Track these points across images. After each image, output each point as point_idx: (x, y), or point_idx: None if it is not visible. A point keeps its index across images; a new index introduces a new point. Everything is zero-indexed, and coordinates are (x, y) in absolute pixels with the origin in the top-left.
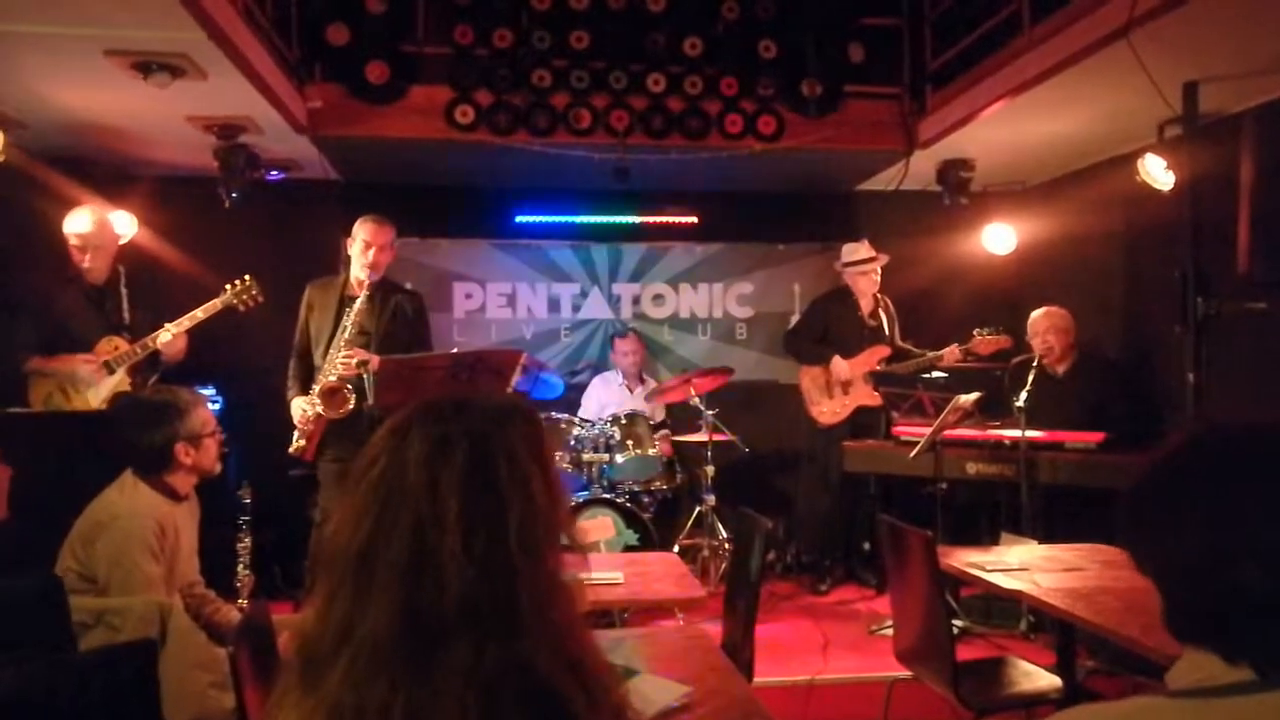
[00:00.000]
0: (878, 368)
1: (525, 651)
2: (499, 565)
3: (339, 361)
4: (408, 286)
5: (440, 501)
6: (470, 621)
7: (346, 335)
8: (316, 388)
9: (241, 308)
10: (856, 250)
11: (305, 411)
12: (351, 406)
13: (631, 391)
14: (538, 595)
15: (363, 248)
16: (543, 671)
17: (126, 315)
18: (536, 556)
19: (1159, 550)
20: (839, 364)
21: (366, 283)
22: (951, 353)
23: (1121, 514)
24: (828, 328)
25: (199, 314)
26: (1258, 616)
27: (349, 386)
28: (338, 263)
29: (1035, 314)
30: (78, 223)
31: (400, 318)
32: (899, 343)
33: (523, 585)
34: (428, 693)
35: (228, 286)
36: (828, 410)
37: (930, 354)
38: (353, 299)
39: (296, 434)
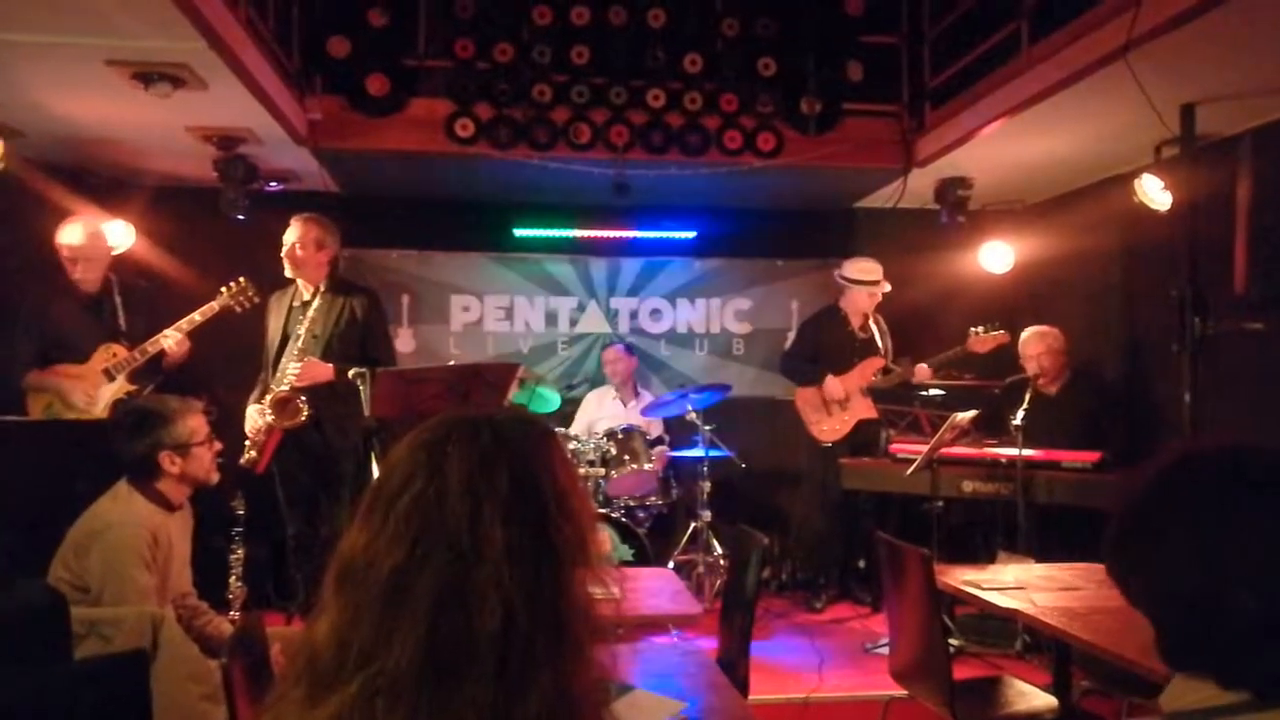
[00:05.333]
0: (873, 379)
1: (566, 675)
2: (546, 590)
3: (289, 371)
4: (363, 286)
5: (483, 529)
6: (505, 651)
7: (300, 344)
8: (268, 397)
9: (238, 309)
10: (868, 270)
11: (256, 421)
12: (304, 418)
13: (625, 405)
14: (579, 614)
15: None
16: (576, 695)
17: (122, 322)
18: (579, 576)
19: (1150, 583)
20: (832, 383)
21: (306, 284)
22: (922, 369)
23: (1108, 547)
24: (819, 344)
25: (196, 317)
26: (1254, 644)
27: (301, 397)
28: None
29: (1027, 335)
30: (69, 234)
31: (349, 319)
32: (889, 361)
33: (567, 606)
34: None
35: (223, 289)
36: (828, 428)
37: (901, 369)
38: (303, 304)
39: (248, 444)
